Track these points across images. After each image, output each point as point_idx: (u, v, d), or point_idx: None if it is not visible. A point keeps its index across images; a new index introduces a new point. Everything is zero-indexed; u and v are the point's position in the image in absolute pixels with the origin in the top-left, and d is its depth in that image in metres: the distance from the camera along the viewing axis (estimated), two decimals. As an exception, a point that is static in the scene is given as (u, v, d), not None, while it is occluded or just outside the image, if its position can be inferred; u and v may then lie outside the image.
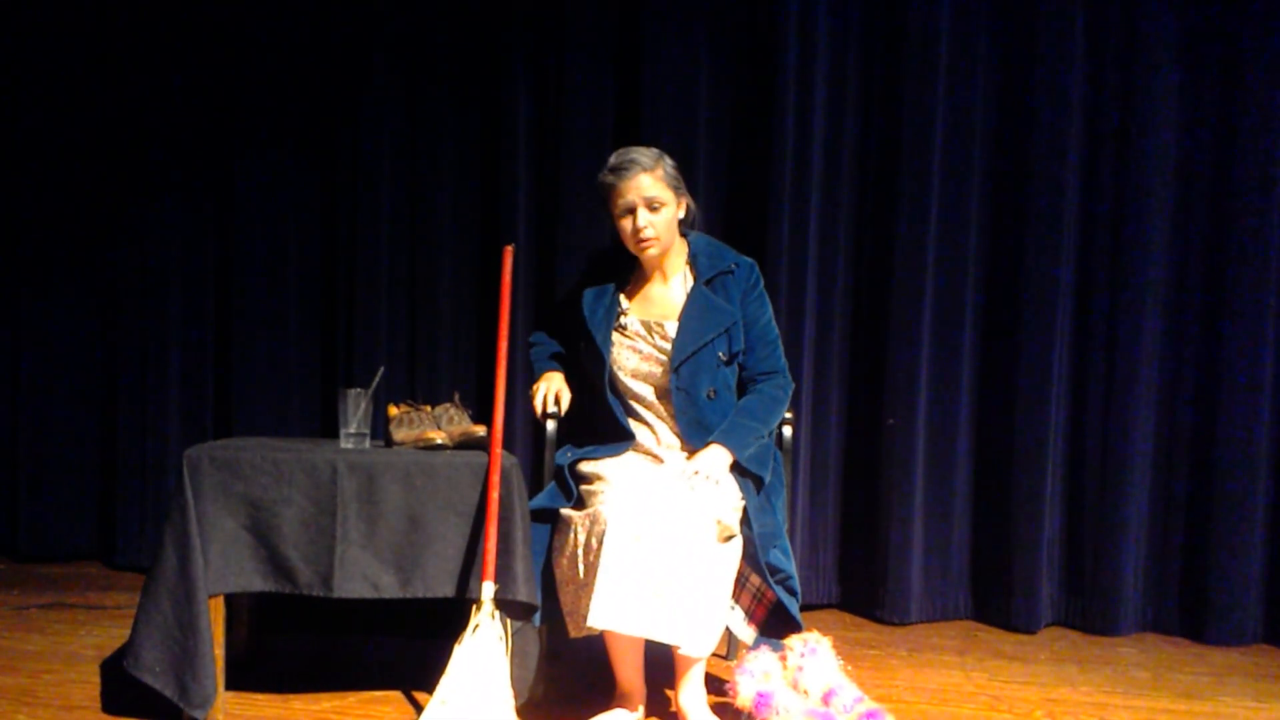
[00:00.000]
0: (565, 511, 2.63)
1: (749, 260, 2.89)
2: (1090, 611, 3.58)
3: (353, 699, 2.74)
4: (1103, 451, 3.57)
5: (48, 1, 4.00)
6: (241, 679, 2.77)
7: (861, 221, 3.70)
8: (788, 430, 2.96)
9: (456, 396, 2.92)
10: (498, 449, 2.58)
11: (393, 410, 2.84)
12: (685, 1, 3.66)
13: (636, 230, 2.72)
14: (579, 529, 2.55)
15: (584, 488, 2.70)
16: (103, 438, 4.10)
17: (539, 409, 2.89)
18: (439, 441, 2.70)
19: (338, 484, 2.55)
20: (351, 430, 2.73)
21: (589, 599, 2.45)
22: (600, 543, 2.47)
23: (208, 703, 2.49)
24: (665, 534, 2.46)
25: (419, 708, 2.65)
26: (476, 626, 2.46)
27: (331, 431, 3.15)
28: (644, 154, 2.75)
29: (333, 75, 3.87)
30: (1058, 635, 3.55)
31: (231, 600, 2.70)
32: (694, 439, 2.76)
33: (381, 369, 3.01)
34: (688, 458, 2.76)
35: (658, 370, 2.79)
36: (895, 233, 3.61)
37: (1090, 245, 3.58)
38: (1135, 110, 3.51)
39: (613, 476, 2.66)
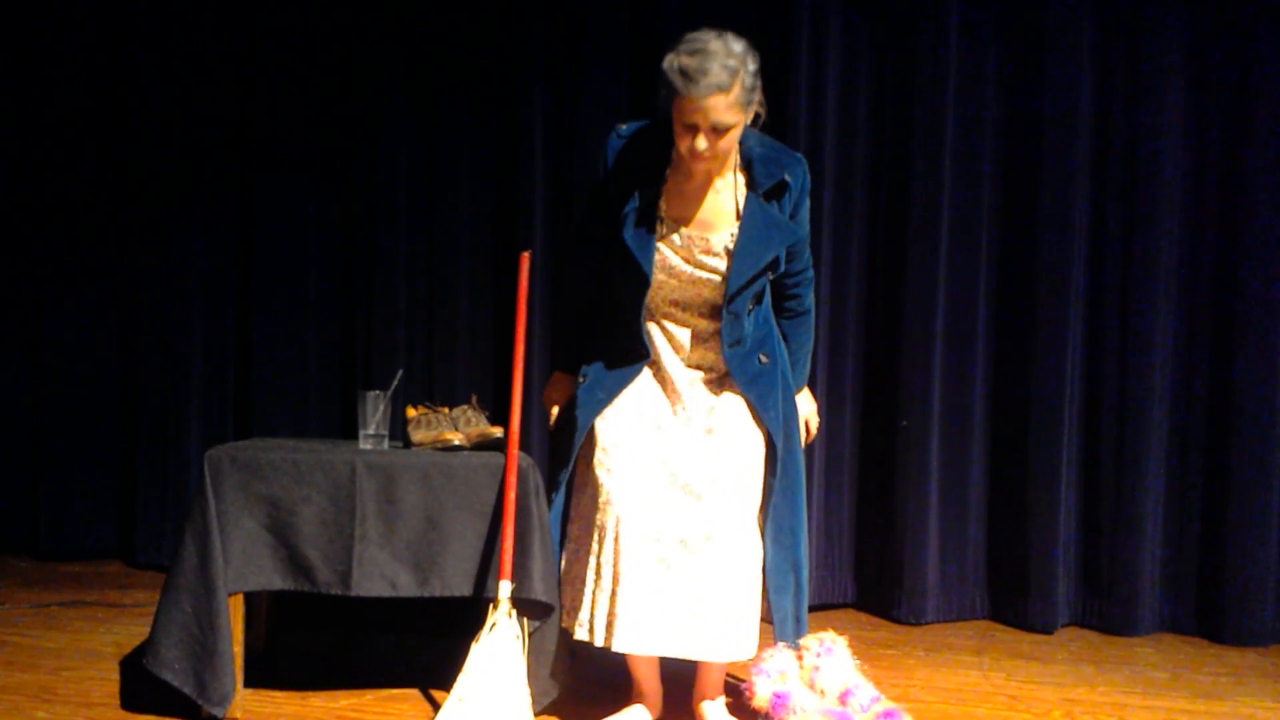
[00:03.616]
0: (587, 505, 2.60)
1: (803, 168, 2.59)
2: (1107, 612, 3.57)
3: (370, 696, 2.76)
4: (1118, 452, 3.56)
5: (71, 20, 4.04)
6: (260, 676, 2.78)
7: (874, 223, 3.71)
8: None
9: (474, 398, 2.93)
10: (514, 450, 2.60)
11: (411, 412, 2.85)
12: (700, 11, 3.66)
13: (693, 150, 2.38)
14: (594, 538, 2.52)
15: (598, 455, 2.56)
16: (124, 438, 4.12)
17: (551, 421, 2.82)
18: (456, 442, 2.72)
19: (356, 484, 2.57)
20: (370, 431, 2.75)
21: (604, 606, 2.46)
22: (615, 548, 2.46)
23: (226, 700, 2.50)
24: (692, 552, 2.45)
25: (436, 705, 2.66)
26: (494, 625, 2.47)
27: (350, 433, 3.17)
28: (724, 65, 2.31)
29: (351, 84, 3.89)
30: (1075, 635, 3.55)
31: (250, 598, 2.71)
32: (735, 359, 2.58)
33: (400, 371, 3.03)
34: (704, 377, 2.63)
35: (688, 286, 2.58)
36: (908, 235, 3.62)
37: (1102, 248, 3.58)
38: (1143, 111, 3.51)
39: (617, 448, 2.54)
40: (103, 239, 4.09)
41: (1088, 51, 3.52)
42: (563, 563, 2.64)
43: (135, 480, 4.07)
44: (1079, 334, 3.59)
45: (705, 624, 2.44)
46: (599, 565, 2.50)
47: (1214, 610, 3.51)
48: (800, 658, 2.62)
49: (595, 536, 2.52)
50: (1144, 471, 3.52)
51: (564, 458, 2.66)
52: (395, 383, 2.87)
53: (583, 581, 2.53)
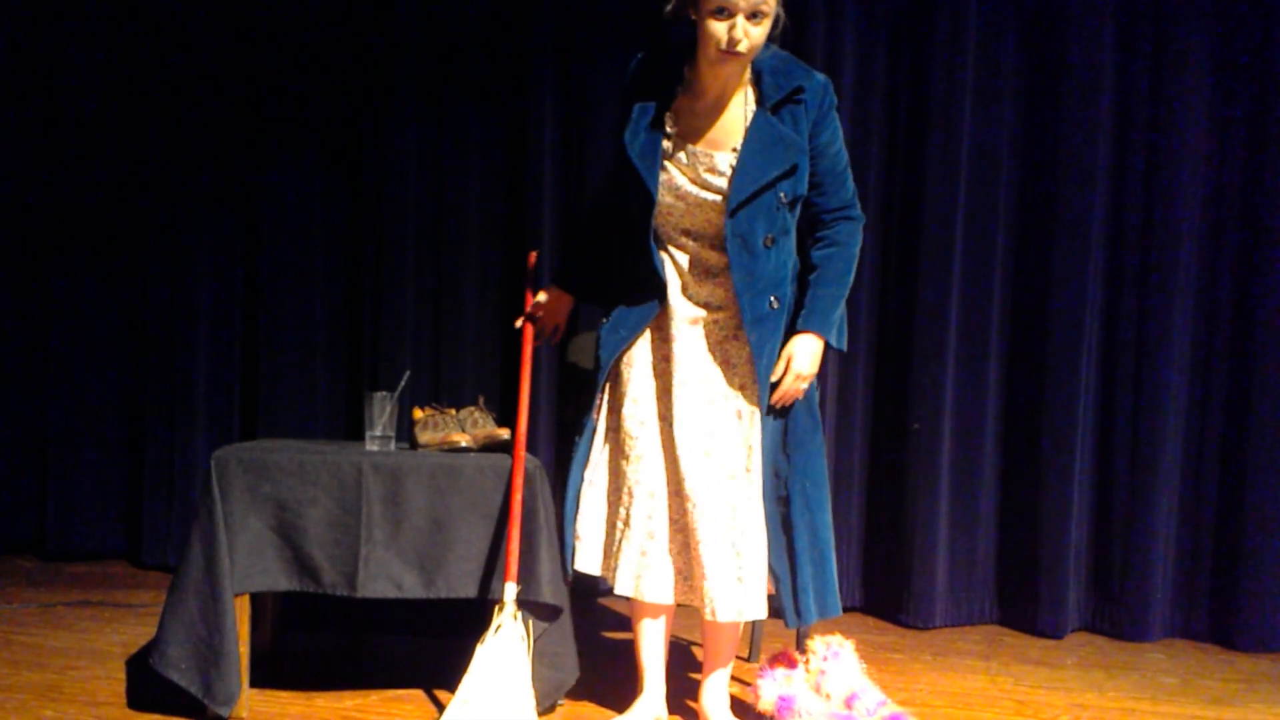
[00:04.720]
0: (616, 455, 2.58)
1: (822, 79, 2.47)
2: (1118, 617, 3.55)
3: (375, 697, 2.75)
4: (1131, 456, 3.55)
5: (80, 14, 4.05)
6: (265, 676, 2.78)
7: (888, 226, 3.69)
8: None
9: (481, 400, 2.93)
10: (521, 451, 2.59)
11: (418, 413, 2.85)
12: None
13: (731, 40, 2.30)
14: (624, 490, 2.53)
15: (628, 405, 2.54)
16: (131, 439, 4.13)
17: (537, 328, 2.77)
18: (463, 444, 2.71)
19: (363, 486, 2.57)
20: (377, 433, 2.74)
21: (631, 556, 2.49)
22: (649, 504, 2.48)
23: (232, 700, 2.50)
24: (711, 505, 2.44)
25: (441, 706, 2.66)
26: (499, 627, 2.46)
27: (357, 434, 3.18)
28: None
29: (358, 83, 3.90)
30: (1085, 641, 3.53)
31: (256, 599, 2.71)
32: (746, 293, 2.44)
33: (407, 372, 3.03)
34: (711, 318, 2.51)
35: (696, 210, 2.48)
36: (921, 237, 3.60)
37: (1119, 254, 3.56)
38: (1164, 112, 3.50)
39: (646, 402, 2.53)
40: (109, 240, 4.09)
41: (1108, 54, 3.51)
42: (588, 501, 2.60)
43: (141, 481, 4.07)
44: (1094, 337, 3.57)
45: (720, 579, 2.43)
46: (628, 516, 2.51)
47: (1226, 616, 3.49)
48: (807, 661, 2.62)
49: (625, 489, 2.53)
50: (1158, 477, 3.51)
51: (589, 398, 2.64)
52: (402, 384, 2.87)
53: (613, 528, 2.56)
